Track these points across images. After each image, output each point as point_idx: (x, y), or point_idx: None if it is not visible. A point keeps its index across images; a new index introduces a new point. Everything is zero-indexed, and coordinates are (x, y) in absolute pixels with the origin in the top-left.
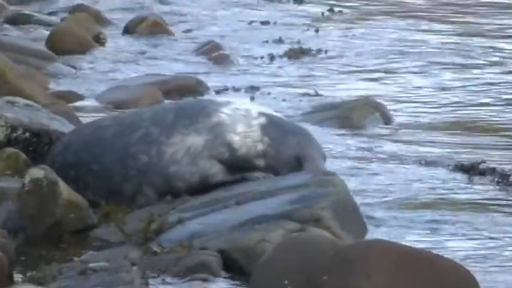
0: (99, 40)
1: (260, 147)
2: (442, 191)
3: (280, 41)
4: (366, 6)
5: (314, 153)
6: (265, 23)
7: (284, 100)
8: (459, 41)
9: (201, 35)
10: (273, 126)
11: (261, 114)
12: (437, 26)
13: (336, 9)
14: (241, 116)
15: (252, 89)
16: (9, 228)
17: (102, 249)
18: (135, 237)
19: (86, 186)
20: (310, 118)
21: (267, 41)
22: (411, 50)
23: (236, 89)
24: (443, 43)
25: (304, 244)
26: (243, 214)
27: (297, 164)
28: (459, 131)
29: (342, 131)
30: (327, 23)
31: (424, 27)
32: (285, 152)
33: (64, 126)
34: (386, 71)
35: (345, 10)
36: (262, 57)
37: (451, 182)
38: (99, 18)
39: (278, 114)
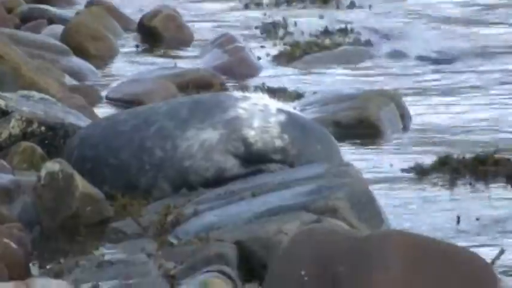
0: None
1: (279, 143)
2: None
3: None
4: None
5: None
6: None
7: None
8: None
9: None
10: (293, 124)
11: (280, 110)
12: None
13: None
14: (259, 111)
15: None
16: (25, 221)
17: (119, 242)
18: (151, 230)
19: (102, 180)
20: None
21: None
22: None
23: None
24: None
25: (321, 235)
26: (259, 206)
27: None
28: None
29: None
30: None
31: None
32: (308, 156)
33: (80, 120)
34: None
35: None
36: None
37: None
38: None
39: (297, 112)
